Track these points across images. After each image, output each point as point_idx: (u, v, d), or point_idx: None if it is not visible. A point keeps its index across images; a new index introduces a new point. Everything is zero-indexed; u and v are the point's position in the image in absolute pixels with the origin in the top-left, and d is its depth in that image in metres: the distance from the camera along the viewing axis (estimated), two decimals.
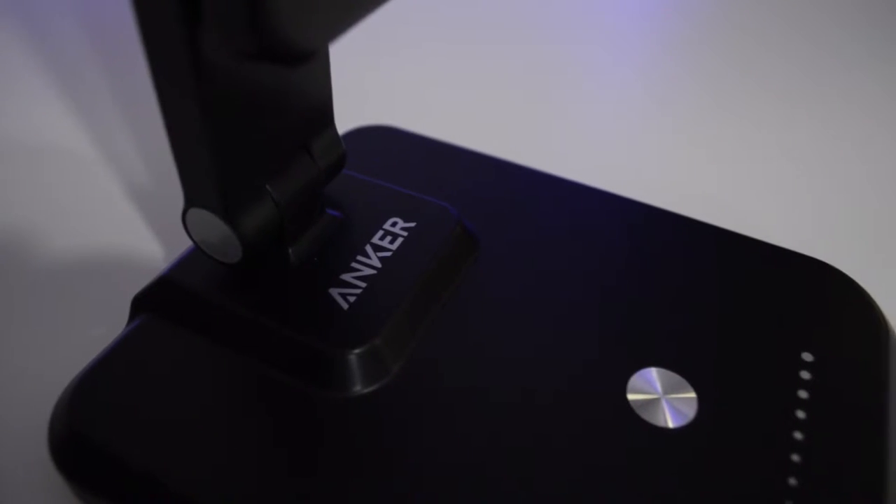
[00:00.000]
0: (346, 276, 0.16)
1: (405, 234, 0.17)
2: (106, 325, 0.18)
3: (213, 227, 0.15)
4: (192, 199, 0.15)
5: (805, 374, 0.16)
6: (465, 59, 0.32)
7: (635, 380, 0.15)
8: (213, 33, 0.11)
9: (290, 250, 0.16)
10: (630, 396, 0.15)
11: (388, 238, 0.17)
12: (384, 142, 0.21)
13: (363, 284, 0.16)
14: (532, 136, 0.27)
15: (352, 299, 0.16)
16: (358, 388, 0.15)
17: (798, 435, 0.15)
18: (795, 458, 0.14)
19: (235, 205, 0.15)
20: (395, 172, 0.20)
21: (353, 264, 0.16)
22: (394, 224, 0.17)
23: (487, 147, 0.23)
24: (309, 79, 0.15)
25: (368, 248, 0.17)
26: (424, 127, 0.25)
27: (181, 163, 0.14)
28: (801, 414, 0.15)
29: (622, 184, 0.23)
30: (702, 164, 0.26)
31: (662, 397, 0.15)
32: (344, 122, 0.21)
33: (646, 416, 0.15)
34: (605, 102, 0.30)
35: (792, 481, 0.14)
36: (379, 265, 0.16)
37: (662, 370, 0.16)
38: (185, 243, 0.20)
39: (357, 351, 0.15)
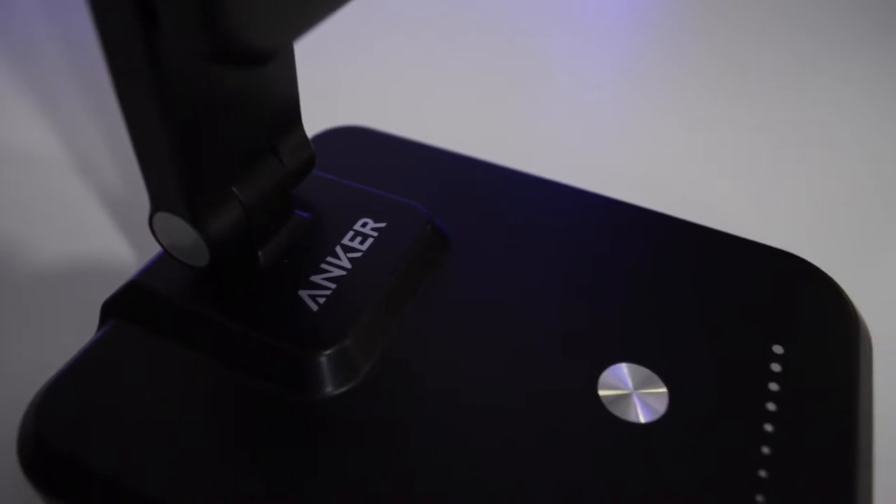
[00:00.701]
0: (316, 278, 0.16)
1: (375, 234, 0.17)
2: (77, 331, 0.18)
3: (181, 230, 0.15)
4: (158, 203, 0.15)
5: (776, 367, 0.16)
6: (442, 56, 0.32)
7: (606, 376, 0.15)
8: (169, 37, 0.11)
9: (259, 253, 0.16)
10: (601, 392, 0.15)
11: (359, 239, 0.17)
12: (357, 142, 0.21)
13: (333, 286, 0.16)
14: (508, 133, 0.27)
15: (321, 301, 0.16)
16: (329, 390, 0.15)
17: (768, 427, 0.15)
18: (766, 450, 0.14)
19: (202, 208, 0.15)
20: (368, 173, 0.20)
21: (323, 265, 0.16)
22: (364, 225, 0.17)
23: (465, 145, 0.23)
24: (274, 79, 0.15)
25: (338, 250, 0.17)
26: (401, 127, 0.25)
27: (145, 167, 0.14)
28: (771, 406, 0.15)
29: (598, 180, 0.23)
30: (673, 157, 0.27)
31: (633, 393, 0.15)
32: (318, 122, 0.21)
33: (617, 411, 0.15)
34: (582, 98, 0.30)
35: (762, 473, 0.14)
36: (349, 266, 0.16)
37: (633, 366, 0.16)
38: (157, 248, 0.20)
39: (327, 352, 0.15)
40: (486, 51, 0.33)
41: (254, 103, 0.15)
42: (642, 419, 0.15)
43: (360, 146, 0.21)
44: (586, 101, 0.30)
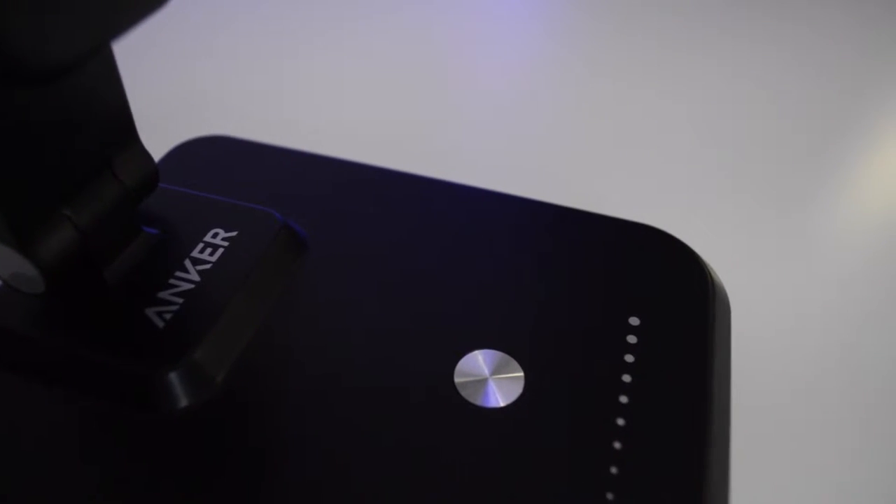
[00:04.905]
0: (164, 294, 0.16)
1: (227, 244, 0.17)
2: None
3: (11, 259, 0.15)
4: None
5: (632, 339, 0.16)
6: (324, 55, 0.32)
7: (463, 363, 0.16)
8: None
9: (104, 273, 0.16)
10: (457, 380, 0.15)
11: (209, 250, 0.17)
12: (218, 152, 0.21)
13: (180, 300, 0.16)
14: (386, 131, 0.27)
15: (168, 317, 0.15)
16: (183, 404, 0.15)
17: (623, 399, 0.15)
18: (621, 421, 0.15)
19: (30, 234, 0.14)
20: (228, 182, 0.20)
21: (171, 281, 0.16)
22: (215, 235, 0.17)
23: (347, 147, 0.23)
24: (90, 93, 0.15)
25: (187, 263, 0.16)
26: (271, 132, 0.25)
27: None
28: (626, 378, 0.15)
29: (463, 168, 0.23)
30: (529, 138, 0.27)
31: (489, 378, 0.15)
32: (186, 134, 0.21)
33: (472, 398, 0.15)
34: (445, 90, 0.30)
35: (617, 445, 0.14)
36: (198, 279, 0.16)
37: (491, 351, 0.16)
38: None
39: (173, 368, 0.14)
40: (366, 45, 0.32)
41: (72, 120, 0.14)
42: (499, 403, 0.15)
43: (220, 155, 0.21)
44: (450, 93, 0.30)
